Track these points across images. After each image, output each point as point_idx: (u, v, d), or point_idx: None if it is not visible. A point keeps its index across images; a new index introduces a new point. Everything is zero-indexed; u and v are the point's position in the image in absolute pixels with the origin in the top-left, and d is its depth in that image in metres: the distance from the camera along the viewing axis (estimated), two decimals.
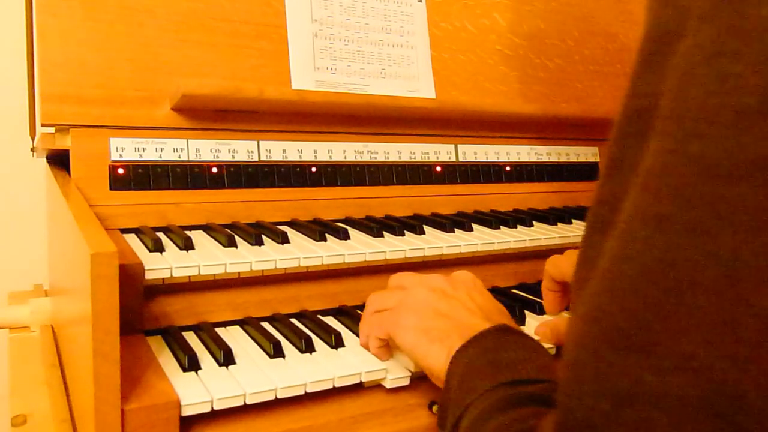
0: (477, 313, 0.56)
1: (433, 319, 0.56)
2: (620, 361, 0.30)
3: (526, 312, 0.74)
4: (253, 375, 0.55)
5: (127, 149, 0.75)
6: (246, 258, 0.65)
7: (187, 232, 0.70)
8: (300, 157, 0.85)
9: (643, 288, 0.30)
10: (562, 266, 0.73)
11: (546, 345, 0.68)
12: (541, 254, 0.88)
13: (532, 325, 0.71)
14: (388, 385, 0.59)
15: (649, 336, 0.30)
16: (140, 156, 0.76)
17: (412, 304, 0.58)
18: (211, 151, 0.80)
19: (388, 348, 0.62)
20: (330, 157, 0.87)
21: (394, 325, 0.58)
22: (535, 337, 0.69)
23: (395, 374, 0.59)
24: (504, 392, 0.44)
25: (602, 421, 0.30)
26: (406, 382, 0.60)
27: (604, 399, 0.30)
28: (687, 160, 0.30)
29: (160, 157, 0.77)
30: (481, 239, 0.79)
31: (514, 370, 0.46)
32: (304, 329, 0.66)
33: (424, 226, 0.82)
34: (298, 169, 0.85)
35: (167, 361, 0.57)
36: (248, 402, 0.53)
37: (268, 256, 0.66)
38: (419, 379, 0.61)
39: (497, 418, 0.41)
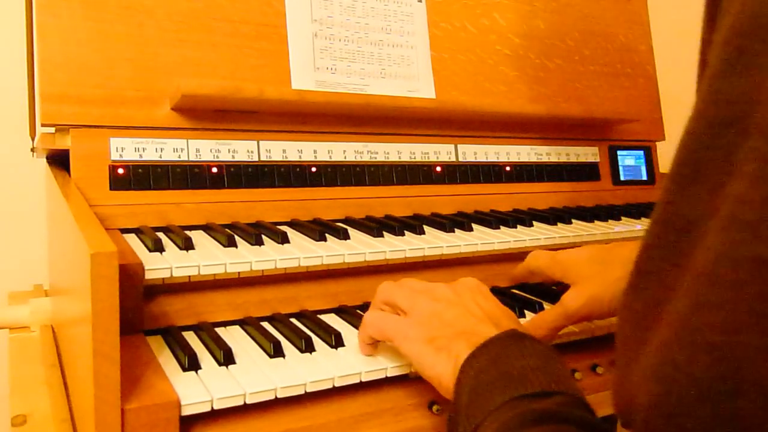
0: (484, 319, 0.54)
1: (438, 329, 0.54)
2: (703, 429, 0.26)
3: (526, 312, 0.74)
4: (253, 375, 0.55)
5: (127, 149, 0.75)
6: (246, 258, 0.65)
7: (187, 232, 0.70)
8: (300, 157, 0.85)
9: (731, 344, 0.26)
10: (539, 257, 0.74)
11: None
12: None
13: None
14: (389, 373, 0.59)
15: (738, 401, 0.26)
16: (140, 156, 0.76)
17: (417, 316, 0.56)
18: (211, 151, 0.80)
19: (375, 345, 0.61)
20: (330, 157, 0.87)
21: (401, 337, 0.56)
22: None
23: (395, 372, 0.59)
24: (518, 408, 0.41)
25: None
26: (407, 370, 0.60)
27: None
28: None
29: (160, 157, 0.77)
30: (481, 239, 0.79)
31: (526, 382, 0.44)
32: (304, 329, 0.66)
33: (424, 226, 0.82)
34: (298, 169, 0.85)
35: (167, 361, 0.57)
36: (248, 402, 0.53)
37: (268, 256, 0.66)
38: (419, 379, 0.61)
39: None
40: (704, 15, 0.34)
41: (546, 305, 0.77)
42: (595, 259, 0.69)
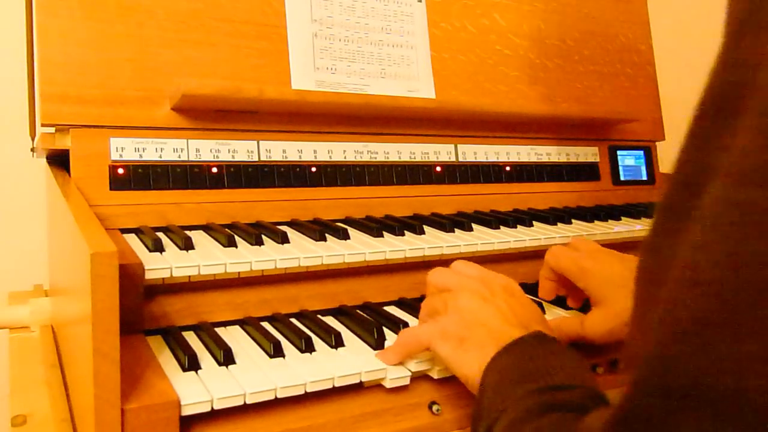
0: (512, 320, 0.56)
1: (469, 328, 0.56)
2: (684, 358, 0.28)
3: None
4: (253, 375, 0.55)
5: (127, 149, 0.75)
6: (246, 258, 0.65)
7: (187, 232, 0.70)
8: (300, 157, 0.85)
9: (715, 282, 0.28)
10: (560, 258, 0.73)
11: None
12: (540, 254, 0.88)
13: None
14: (388, 384, 0.59)
15: (715, 334, 0.28)
16: (140, 156, 0.76)
17: (453, 311, 0.58)
18: (211, 151, 0.80)
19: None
20: (330, 157, 0.87)
21: (436, 337, 0.57)
22: None
23: (395, 374, 0.59)
24: (538, 398, 0.43)
25: (661, 417, 0.29)
26: (406, 381, 0.60)
27: (667, 396, 0.29)
28: None
29: (160, 157, 0.77)
30: (481, 239, 0.79)
31: (547, 377, 0.45)
32: (304, 329, 0.66)
33: (424, 226, 0.82)
34: (298, 169, 0.85)
35: (167, 361, 0.57)
36: (248, 402, 0.53)
37: (268, 256, 0.66)
38: (419, 379, 0.61)
39: (531, 423, 0.41)
40: None
41: (545, 306, 0.77)
42: (627, 280, 0.65)
